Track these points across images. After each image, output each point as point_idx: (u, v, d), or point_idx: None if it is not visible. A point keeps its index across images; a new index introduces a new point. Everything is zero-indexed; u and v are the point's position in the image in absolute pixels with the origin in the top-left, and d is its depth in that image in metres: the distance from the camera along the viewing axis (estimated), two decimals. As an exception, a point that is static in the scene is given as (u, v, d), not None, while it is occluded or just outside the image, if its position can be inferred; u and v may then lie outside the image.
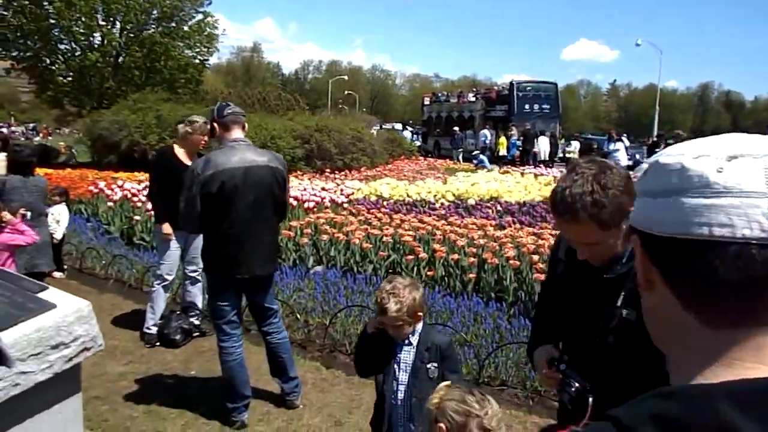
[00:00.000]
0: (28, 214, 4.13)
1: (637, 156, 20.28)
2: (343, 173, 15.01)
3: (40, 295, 3.26)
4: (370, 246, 6.49)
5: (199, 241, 5.18)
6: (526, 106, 25.28)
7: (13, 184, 5.54)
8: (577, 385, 1.77)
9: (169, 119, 16.50)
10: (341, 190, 10.14)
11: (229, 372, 3.73)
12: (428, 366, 2.42)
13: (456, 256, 5.99)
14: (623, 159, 16.21)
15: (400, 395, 2.44)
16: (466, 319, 5.00)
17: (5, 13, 24.34)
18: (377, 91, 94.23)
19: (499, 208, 9.23)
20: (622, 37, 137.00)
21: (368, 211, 8.28)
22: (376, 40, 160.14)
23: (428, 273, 5.99)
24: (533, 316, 2.31)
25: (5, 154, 7.96)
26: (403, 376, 2.45)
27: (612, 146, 17.15)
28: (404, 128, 38.67)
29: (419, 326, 2.47)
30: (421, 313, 2.46)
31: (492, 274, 5.81)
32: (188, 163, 4.76)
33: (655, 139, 21.48)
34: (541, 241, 6.22)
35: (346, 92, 72.24)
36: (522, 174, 14.61)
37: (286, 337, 4.01)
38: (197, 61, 28.13)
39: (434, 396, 1.81)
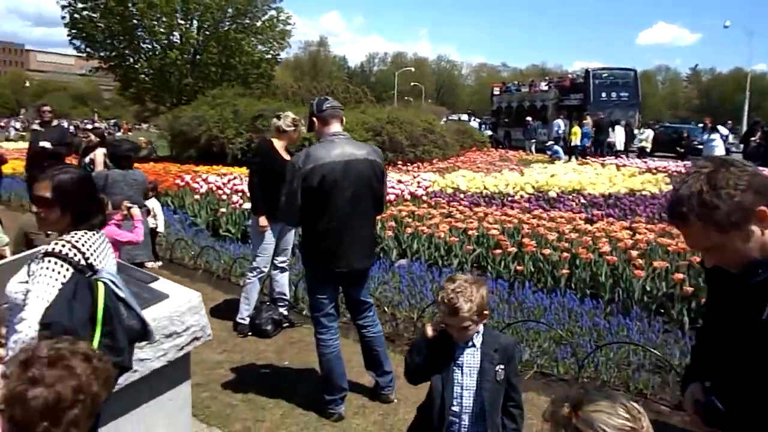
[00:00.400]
0: (135, 207, 4.30)
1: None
2: (415, 165, 14.94)
3: (152, 285, 3.39)
4: (456, 239, 6.40)
5: (291, 232, 5.30)
6: (603, 94, 24.40)
7: (114, 178, 5.78)
8: (719, 406, 1.67)
9: (245, 114, 16.97)
10: (418, 182, 10.09)
11: (327, 364, 3.75)
12: (497, 368, 2.31)
13: (547, 251, 5.81)
14: (720, 150, 15.17)
15: (467, 401, 2.33)
16: (560, 317, 4.84)
17: (94, 15, 25.71)
18: (443, 81, 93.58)
19: (582, 200, 8.92)
20: (704, 19, 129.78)
21: (448, 204, 8.19)
22: (442, 30, 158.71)
23: (517, 268, 5.85)
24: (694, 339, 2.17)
25: (103, 149, 8.35)
26: (468, 381, 2.33)
27: (706, 136, 16.11)
28: (470, 119, 38.23)
29: (481, 327, 2.35)
30: (486, 312, 2.34)
31: (585, 269, 5.60)
32: (285, 156, 4.84)
33: (749, 126, 20.10)
34: (638, 236, 5.95)
35: (411, 84, 72.04)
36: (603, 165, 14.06)
37: (380, 331, 4.00)
38: (269, 56, 28.73)
39: (564, 403, 1.64)
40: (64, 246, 2.18)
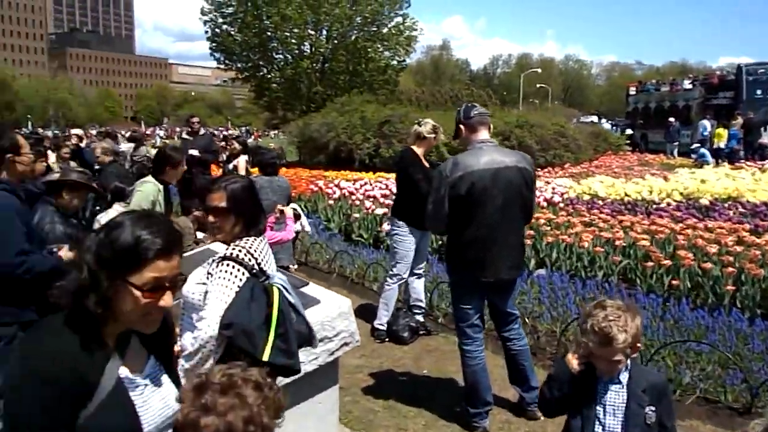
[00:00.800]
0: (289, 210, 4.46)
1: None
2: (546, 170, 14.39)
3: (303, 290, 3.48)
4: (600, 250, 6.03)
5: (428, 240, 5.27)
6: (758, 92, 22.01)
7: (260, 184, 6.05)
8: None
9: (372, 120, 17.35)
10: (553, 188, 9.68)
11: (471, 377, 3.67)
12: (647, 410, 2.06)
13: (707, 265, 5.29)
14: None
15: None
16: (726, 338, 4.38)
17: (232, 29, 27.68)
18: (570, 82, 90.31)
19: (742, 209, 8.07)
20: None
21: (588, 212, 7.76)
22: (569, 30, 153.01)
23: (672, 282, 5.38)
24: None
25: (245, 157, 8.85)
26: (611, 421, 2.10)
27: None
28: (599, 120, 36.33)
29: (628, 361, 2.10)
30: (639, 345, 2.10)
31: (754, 286, 5.03)
32: (425, 164, 4.84)
33: None
34: (817, 251, 5.27)
35: (537, 86, 70.01)
36: (762, 169, 12.67)
37: (527, 344, 3.85)
38: (395, 62, 29.21)
39: None
40: (240, 251, 2.27)
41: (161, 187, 4.69)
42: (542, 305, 5.29)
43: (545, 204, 8.45)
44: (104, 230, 1.37)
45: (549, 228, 6.85)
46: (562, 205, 8.33)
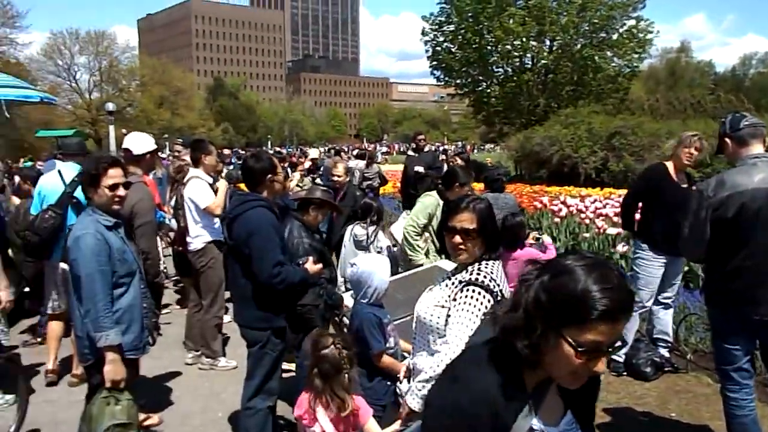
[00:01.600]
0: (547, 237, 4.31)
1: None
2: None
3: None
4: None
5: (680, 265, 4.72)
6: None
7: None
8: None
9: (600, 132, 16.34)
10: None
11: (739, 428, 3.19)
12: None
13: None
14: None
15: None
16: None
17: (452, 46, 28.37)
18: None
19: None
20: None
21: None
22: None
23: None
24: None
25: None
26: None
27: None
28: None
29: None
30: None
31: None
32: (678, 181, 4.36)
33: None
34: None
35: (805, 85, 59.45)
36: None
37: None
38: (627, 69, 27.22)
39: None
40: (485, 277, 2.20)
41: (441, 202, 4.84)
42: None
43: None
44: (551, 272, 1.24)
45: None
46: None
